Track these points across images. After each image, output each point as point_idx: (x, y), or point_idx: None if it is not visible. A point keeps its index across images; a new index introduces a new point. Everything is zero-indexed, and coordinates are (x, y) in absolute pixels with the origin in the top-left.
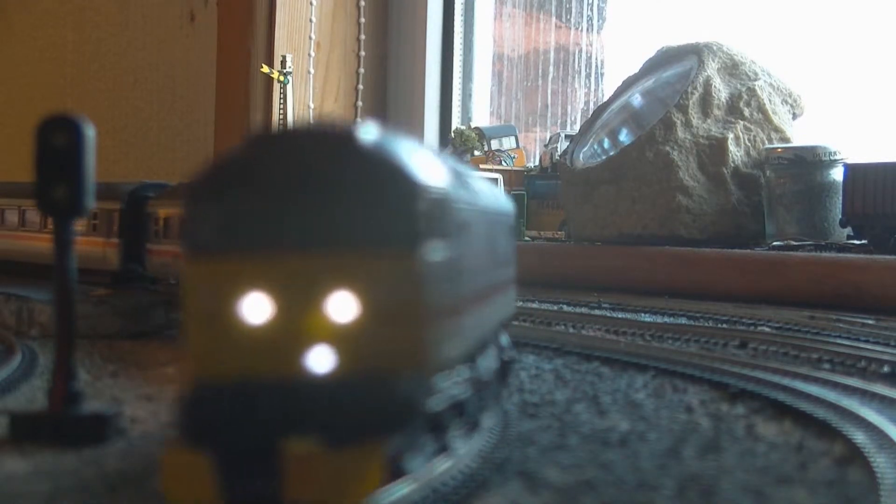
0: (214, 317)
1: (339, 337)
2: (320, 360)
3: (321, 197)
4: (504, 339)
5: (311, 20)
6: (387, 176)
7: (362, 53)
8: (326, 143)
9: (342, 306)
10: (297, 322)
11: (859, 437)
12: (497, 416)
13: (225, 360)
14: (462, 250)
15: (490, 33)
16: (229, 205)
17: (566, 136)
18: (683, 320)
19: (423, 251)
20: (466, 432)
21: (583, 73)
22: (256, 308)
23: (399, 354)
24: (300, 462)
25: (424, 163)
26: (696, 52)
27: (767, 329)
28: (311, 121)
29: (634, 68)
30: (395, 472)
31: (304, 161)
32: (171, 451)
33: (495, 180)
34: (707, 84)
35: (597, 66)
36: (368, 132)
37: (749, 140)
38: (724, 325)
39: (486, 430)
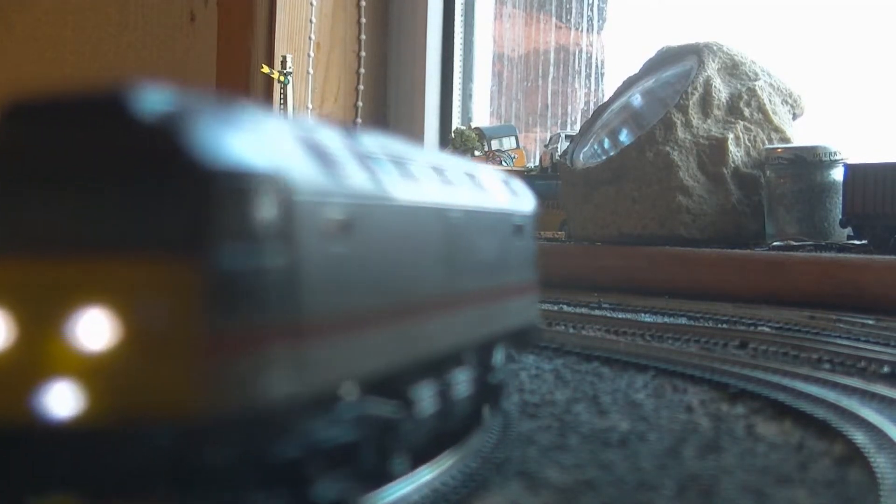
0: None
1: (88, 370)
2: (61, 400)
3: (75, 185)
4: (497, 358)
5: (311, 20)
6: (164, 155)
7: (362, 54)
8: (88, 113)
9: (93, 330)
10: (33, 350)
11: (859, 438)
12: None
13: None
14: (327, 254)
15: (490, 33)
16: None
17: (566, 137)
18: (683, 320)
19: (214, 257)
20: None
21: (583, 74)
22: None
23: (170, 393)
24: None
25: (250, 140)
26: (696, 52)
27: (767, 329)
28: (81, 85)
29: (634, 68)
30: None
31: (56, 137)
32: None
33: None
34: (707, 84)
35: (597, 67)
36: (155, 99)
37: (749, 140)
38: (724, 326)
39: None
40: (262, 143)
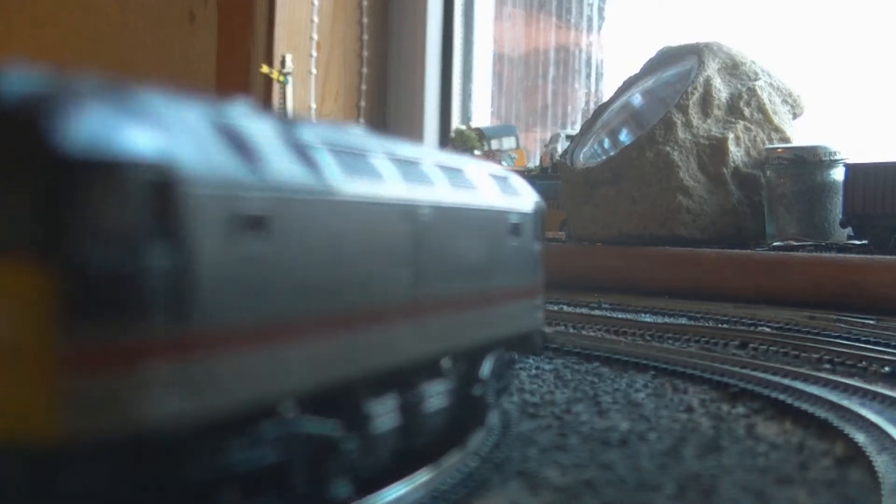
0: None
1: None
2: None
3: None
4: (485, 369)
5: (312, 20)
6: (17, 142)
7: (364, 53)
8: None
9: None
10: None
11: (860, 438)
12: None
13: None
14: (236, 255)
15: (490, 33)
16: None
17: (566, 137)
18: (684, 320)
19: (74, 258)
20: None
21: (583, 73)
22: None
23: (21, 414)
24: None
25: (137, 127)
26: (696, 52)
27: (768, 329)
28: None
29: (634, 68)
30: None
31: None
32: None
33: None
34: (707, 84)
35: (597, 66)
36: (17, 81)
37: (749, 140)
38: (725, 326)
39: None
40: (153, 130)
